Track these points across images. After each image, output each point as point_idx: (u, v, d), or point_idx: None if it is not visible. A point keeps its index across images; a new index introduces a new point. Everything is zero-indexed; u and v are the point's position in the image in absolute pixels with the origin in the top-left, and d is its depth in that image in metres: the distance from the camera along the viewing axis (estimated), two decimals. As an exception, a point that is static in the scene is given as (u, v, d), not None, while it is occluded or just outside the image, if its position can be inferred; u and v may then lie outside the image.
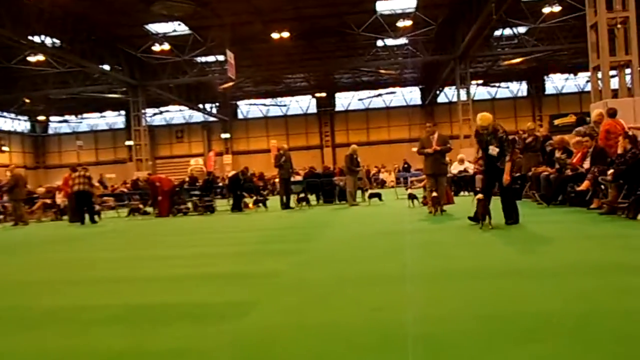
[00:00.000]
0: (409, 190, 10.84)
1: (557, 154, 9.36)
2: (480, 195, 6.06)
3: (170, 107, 38.35)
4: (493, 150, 6.26)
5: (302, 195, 13.38)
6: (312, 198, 15.21)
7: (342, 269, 4.01)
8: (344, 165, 13.32)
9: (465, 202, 11.58)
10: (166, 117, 39.68)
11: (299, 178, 16.24)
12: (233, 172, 15.10)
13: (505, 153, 6.22)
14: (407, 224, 7.48)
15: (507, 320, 2.40)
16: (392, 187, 23.57)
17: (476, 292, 3.00)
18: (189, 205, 14.10)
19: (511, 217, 6.22)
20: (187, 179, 17.06)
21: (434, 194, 8.35)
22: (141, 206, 14.89)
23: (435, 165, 8.67)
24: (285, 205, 12.69)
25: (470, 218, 6.36)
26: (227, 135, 38.05)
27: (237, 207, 13.30)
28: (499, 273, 3.48)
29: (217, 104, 36.81)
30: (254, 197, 13.55)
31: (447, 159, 14.46)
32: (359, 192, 14.30)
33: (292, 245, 5.80)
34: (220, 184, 18.03)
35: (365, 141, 35.93)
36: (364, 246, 5.29)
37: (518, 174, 10.77)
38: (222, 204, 15.10)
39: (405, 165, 27.80)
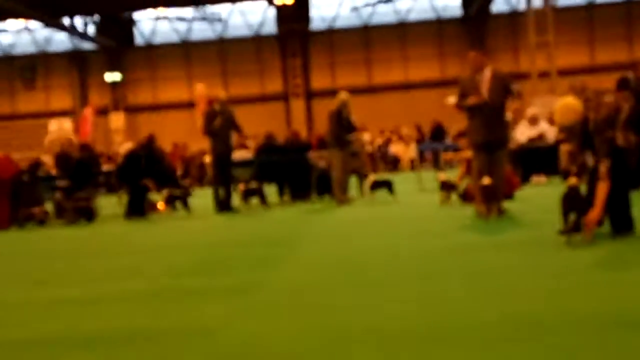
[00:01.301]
0: (442, 176, 10.91)
1: None
2: (573, 180, 6.13)
3: (10, 24, 37.51)
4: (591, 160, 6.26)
5: (252, 185, 13.38)
6: (271, 191, 15.14)
7: (326, 321, 4.02)
8: (328, 131, 13.33)
9: (543, 194, 11.73)
10: (2, 42, 38.85)
11: (247, 155, 16.20)
12: (129, 146, 14.93)
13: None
14: (440, 237, 7.52)
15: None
16: (411, 169, 23.76)
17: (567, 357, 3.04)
18: (49, 206, 13.92)
19: (623, 223, 6.32)
20: (45, 159, 16.81)
21: (486, 181, 8.43)
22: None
23: (487, 129, 8.70)
24: (224, 205, 12.74)
25: (563, 231, 6.28)
26: (117, 77, 37.63)
27: (137, 209, 13.21)
28: (604, 324, 3.55)
29: (97, 18, 36.22)
30: (166, 191, 13.42)
31: (510, 116, 14.59)
32: (354, 180, 14.31)
33: (235, 277, 5.80)
34: (106, 168, 17.85)
35: (364, 86, 36.02)
36: (362, 278, 5.30)
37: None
38: (109, 204, 14.92)
39: (436, 129, 27.99)
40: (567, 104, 6.42)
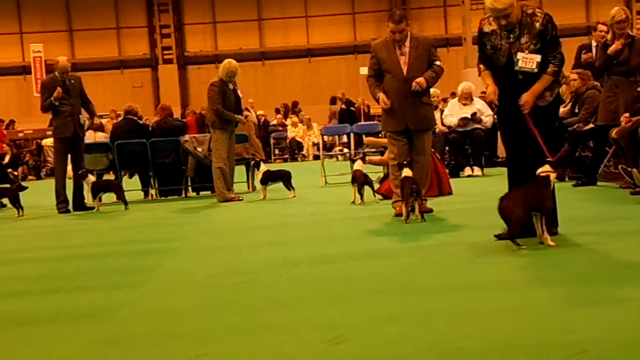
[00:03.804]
0: (356, 166, 10.96)
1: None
2: (545, 169, 6.24)
3: None
4: (525, 59, 6.49)
5: (107, 177, 13.10)
6: (132, 184, 14.83)
7: (195, 353, 3.96)
8: (207, 109, 13.20)
9: (479, 189, 11.95)
10: None
11: (102, 137, 15.85)
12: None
13: (550, 62, 6.54)
14: (345, 242, 7.57)
15: None
16: (316, 158, 23.91)
17: None
18: None
19: (552, 220, 6.58)
20: None
21: (406, 172, 8.53)
22: None
23: (408, 112, 8.86)
24: (74, 202, 12.53)
25: (500, 236, 6.57)
26: None
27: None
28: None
29: None
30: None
31: (435, 93, 14.71)
32: (239, 170, 14.21)
33: (84, 299, 5.67)
34: None
35: (254, 52, 35.92)
36: (244, 299, 5.30)
37: (591, 125, 11.50)
38: None
39: (343, 107, 28.13)
40: None
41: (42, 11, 36.23)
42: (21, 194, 12.67)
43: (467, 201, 10.57)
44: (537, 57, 6.47)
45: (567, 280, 5.24)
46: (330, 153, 21.78)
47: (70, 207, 12.50)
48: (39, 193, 14.96)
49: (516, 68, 6.53)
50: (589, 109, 11.74)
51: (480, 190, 11.82)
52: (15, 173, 20.09)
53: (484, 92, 6.72)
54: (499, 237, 6.52)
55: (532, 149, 6.56)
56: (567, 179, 11.59)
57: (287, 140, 28.51)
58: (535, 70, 6.49)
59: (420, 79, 8.72)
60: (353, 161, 11.11)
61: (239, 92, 12.89)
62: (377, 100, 9.01)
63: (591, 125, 11.43)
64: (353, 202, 10.67)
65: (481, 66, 6.85)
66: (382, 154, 12.56)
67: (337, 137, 25.20)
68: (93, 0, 36.36)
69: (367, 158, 11.56)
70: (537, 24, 6.52)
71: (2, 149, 21.76)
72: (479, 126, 14.73)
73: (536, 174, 6.33)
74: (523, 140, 6.66)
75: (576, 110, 12.30)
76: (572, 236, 6.76)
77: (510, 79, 6.59)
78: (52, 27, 35.72)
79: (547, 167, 6.30)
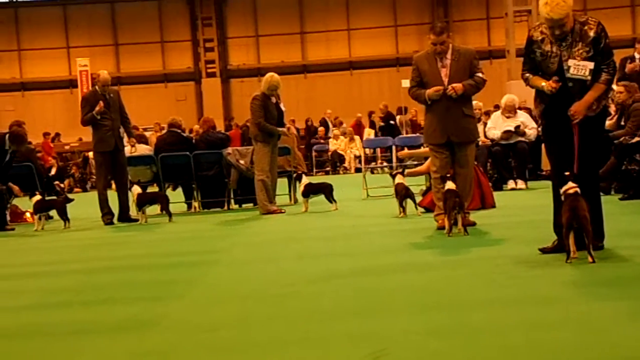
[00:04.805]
0: (397, 179, 10.90)
1: None
2: (571, 186, 6.15)
3: None
4: (577, 67, 6.40)
5: (151, 189, 13.17)
6: (176, 196, 14.89)
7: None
8: (250, 122, 13.17)
9: (522, 203, 11.83)
10: None
11: (145, 149, 15.95)
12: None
13: (603, 70, 6.47)
14: (387, 255, 7.54)
15: None
16: (357, 170, 23.89)
17: None
18: None
19: (598, 234, 6.47)
20: None
21: (449, 185, 8.48)
22: None
23: (450, 124, 8.82)
24: (119, 214, 12.64)
25: (545, 250, 6.53)
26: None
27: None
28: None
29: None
30: (37, 197, 13.08)
31: (477, 106, 14.61)
32: (281, 182, 14.21)
33: (125, 310, 5.65)
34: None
35: (296, 65, 36.01)
36: (286, 311, 5.29)
37: (637, 137, 11.40)
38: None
39: (382, 123, 28.02)
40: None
41: (88, 26, 36.67)
42: (67, 206, 12.82)
43: (511, 214, 10.47)
44: (590, 65, 6.36)
45: (613, 294, 5.14)
46: (372, 166, 21.75)
47: (115, 219, 12.63)
48: (84, 205, 15.10)
49: (567, 75, 6.43)
50: (635, 122, 11.63)
51: (524, 203, 11.71)
52: (62, 185, 20.28)
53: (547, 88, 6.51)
54: (543, 250, 6.51)
55: (586, 153, 6.48)
56: (613, 192, 11.47)
57: (329, 153, 28.55)
58: (589, 78, 6.40)
59: (457, 85, 8.66)
60: (392, 176, 11.03)
61: (281, 105, 12.90)
62: (427, 100, 8.84)
63: (637, 139, 11.33)
64: (399, 215, 10.62)
65: (528, 75, 6.73)
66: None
67: (378, 150, 25.24)
68: (138, 15, 36.73)
69: (405, 171, 11.50)
70: (591, 32, 6.44)
71: (48, 161, 22.00)
72: (522, 139, 14.56)
73: (561, 192, 6.22)
74: (569, 154, 6.56)
75: (622, 123, 12.19)
76: (618, 250, 6.64)
77: (560, 86, 6.51)
78: (98, 41, 36.13)
79: (570, 184, 6.18)
